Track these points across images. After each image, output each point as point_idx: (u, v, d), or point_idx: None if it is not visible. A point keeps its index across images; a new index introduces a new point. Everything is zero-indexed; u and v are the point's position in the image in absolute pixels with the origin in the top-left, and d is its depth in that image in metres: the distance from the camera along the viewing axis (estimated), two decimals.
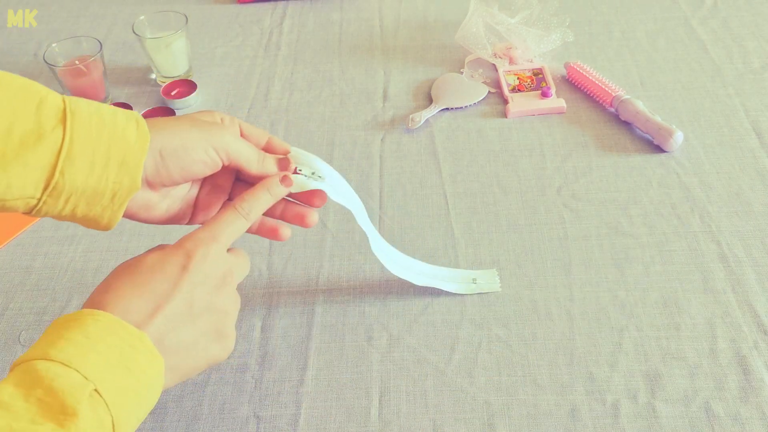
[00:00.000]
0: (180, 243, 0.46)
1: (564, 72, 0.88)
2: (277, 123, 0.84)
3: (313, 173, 0.53)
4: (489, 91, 0.86)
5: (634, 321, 0.61)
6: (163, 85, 0.88)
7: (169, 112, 0.84)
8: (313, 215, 0.54)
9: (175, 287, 0.44)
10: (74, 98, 0.45)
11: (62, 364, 0.38)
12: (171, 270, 0.45)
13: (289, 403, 0.58)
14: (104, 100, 0.86)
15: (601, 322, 0.61)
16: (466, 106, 0.84)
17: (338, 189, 0.54)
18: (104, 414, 0.38)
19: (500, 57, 0.90)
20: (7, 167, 0.41)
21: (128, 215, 0.49)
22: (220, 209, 0.52)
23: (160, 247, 0.47)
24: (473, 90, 0.85)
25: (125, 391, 0.40)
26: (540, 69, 0.88)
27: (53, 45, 0.84)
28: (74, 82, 0.83)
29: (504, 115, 0.83)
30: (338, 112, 0.85)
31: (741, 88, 0.84)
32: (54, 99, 0.43)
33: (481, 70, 0.89)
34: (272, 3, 1.04)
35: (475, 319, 0.62)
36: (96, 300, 0.43)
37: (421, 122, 0.81)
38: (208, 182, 0.53)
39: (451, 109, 0.84)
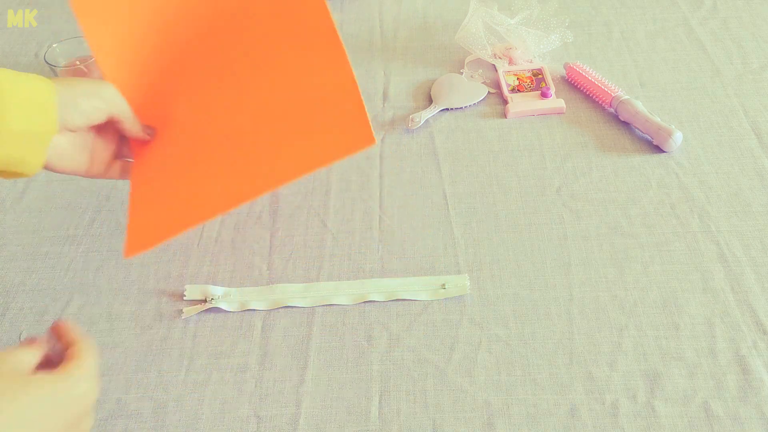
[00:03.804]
0: None
1: (563, 72, 0.88)
2: None
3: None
4: (489, 92, 0.86)
5: (633, 321, 0.61)
6: None
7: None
8: None
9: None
10: None
11: None
12: None
13: (289, 403, 0.58)
14: None
15: (600, 321, 0.62)
16: (465, 107, 0.84)
17: None
18: None
19: (500, 57, 0.90)
20: None
21: (51, 166, 0.58)
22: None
23: None
24: (473, 90, 0.85)
25: None
26: (539, 69, 0.88)
27: (54, 45, 0.84)
28: None
29: (503, 115, 0.83)
30: None
31: (740, 88, 0.84)
32: None
33: (480, 71, 0.89)
34: None
35: (474, 318, 0.63)
36: None
37: (421, 122, 0.81)
38: (99, 137, 0.62)
39: (451, 109, 0.84)
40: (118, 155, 0.65)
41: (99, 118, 0.59)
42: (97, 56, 0.66)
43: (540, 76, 0.87)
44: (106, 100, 0.59)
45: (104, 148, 0.63)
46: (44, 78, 0.55)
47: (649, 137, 0.78)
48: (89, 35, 0.66)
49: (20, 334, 0.64)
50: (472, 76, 0.88)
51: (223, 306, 0.64)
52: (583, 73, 0.84)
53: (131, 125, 0.62)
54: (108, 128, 0.62)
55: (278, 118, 0.61)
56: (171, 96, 0.67)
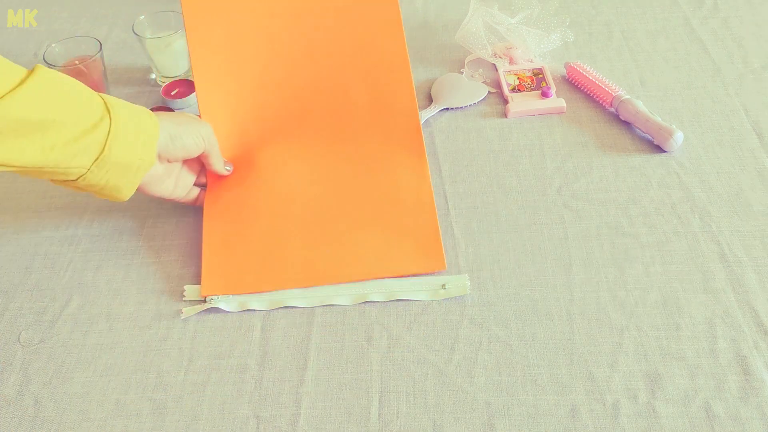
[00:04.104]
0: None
1: (564, 72, 0.88)
2: None
3: None
4: (489, 91, 0.86)
5: (634, 321, 0.61)
6: (163, 85, 0.88)
7: (170, 111, 0.84)
8: None
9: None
10: (104, 95, 0.59)
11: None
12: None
13: (289, 403, 0.58)
14: None
15: (601, 322, 0.62)
16: (466, 106, 0.84)
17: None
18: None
19: (500, 57, 0.90)
20: (76, 143, 0.56)
21: (141, 188, 0.64)
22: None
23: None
24: (473, 90, 0.85)
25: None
26: (540, 69, 0.88)
27: (53, 45, 0.84)
28: None
29: (504, 115, 0.83)
30: None
31: (741, 88, 0.84)
32: (94, 95, 0.58)
33: (481, 70, 0.89)
34: None
35: (475, 319, 0.62)
36: None
37: (422, 122, 0.81)
38: (185, 166, 0.69)
39: (451, 109, 0.84)
40: (197, 182, 0.71)
41: (195, 153, 0.66)
42: (200, 94, 0.74)
43: (540, 76, 0.87)
44: (205, 139, 0.66)
45: (187, 176, 0.70)
46: (151, 114, 0.62)
47: (650, 137, 0.77)
48: (197, 74, 0.75)
49: (19, 334, 0.64)
50: (472, 76, 0.88)
51: (223, 306, 0.64)
52: (584, 73, 0.84)
53: (216, 161, 0.70)
54: (194, 159, 0.69)
55: (359, 210, 0.70)
56: (255, 141, 0.74)
